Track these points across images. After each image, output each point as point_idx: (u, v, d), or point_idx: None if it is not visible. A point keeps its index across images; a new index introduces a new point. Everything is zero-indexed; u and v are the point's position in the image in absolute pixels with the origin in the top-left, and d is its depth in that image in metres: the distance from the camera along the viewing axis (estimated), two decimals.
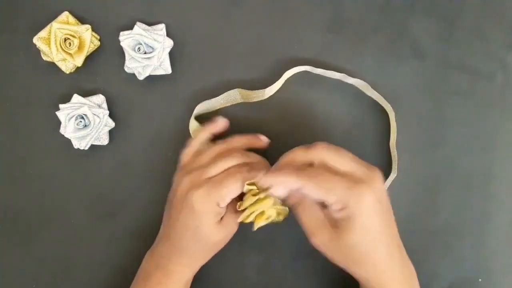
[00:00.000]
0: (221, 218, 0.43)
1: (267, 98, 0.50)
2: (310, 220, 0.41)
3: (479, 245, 0.50)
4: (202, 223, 0.42)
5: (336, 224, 0.39)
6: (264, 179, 0.40)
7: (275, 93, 0.50)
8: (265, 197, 0.41)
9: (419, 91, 0.51)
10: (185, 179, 0.43)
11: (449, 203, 0.50)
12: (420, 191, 0.50)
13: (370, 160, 0.42)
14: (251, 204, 0.42)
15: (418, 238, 0.50)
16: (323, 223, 0.40)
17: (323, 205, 0.41)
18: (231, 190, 0.41)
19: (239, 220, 0.43)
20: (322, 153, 0.40)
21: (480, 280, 0.50)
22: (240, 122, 0.50)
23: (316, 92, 0.50)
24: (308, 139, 0.46)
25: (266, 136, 0.47)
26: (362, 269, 0.41)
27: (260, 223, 0.42)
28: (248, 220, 0.43)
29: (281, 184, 0.40)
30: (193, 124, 0.49)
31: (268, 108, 0.50)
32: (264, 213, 0.42)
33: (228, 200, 0.42)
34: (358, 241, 0.39)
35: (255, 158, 0.45)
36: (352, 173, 0.39)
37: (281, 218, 0.44)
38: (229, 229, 0.44)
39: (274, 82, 0.50)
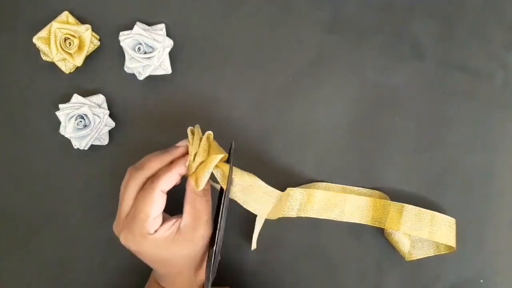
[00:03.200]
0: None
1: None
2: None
3: (479, 245, 0.50)
4: (158, 253, 0.40)
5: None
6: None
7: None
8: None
9: (419, 91, 0.51)
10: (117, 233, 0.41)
11: (449, 203, 0.50)
12: (420, 191, 0.50)
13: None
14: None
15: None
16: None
17: None
18: (149, 211, 0.39)
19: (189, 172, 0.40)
20: None
21: (481, 281, 0.50)
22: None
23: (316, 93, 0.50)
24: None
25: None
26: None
27: (203, 176, 0.40)
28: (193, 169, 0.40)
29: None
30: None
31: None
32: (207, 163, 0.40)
33: (152, 220, 0.39)
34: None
35: (149, 161, 0.41)
36: None
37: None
38: (194, 237, 0.40)
39: (274, 82, 0.50)
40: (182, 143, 0.42)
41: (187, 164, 0.41)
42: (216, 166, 0.40)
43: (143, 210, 0.39)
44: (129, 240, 0.40)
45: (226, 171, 0.40)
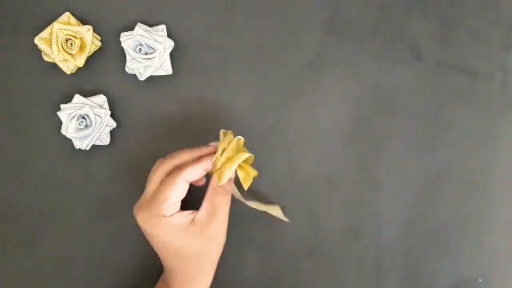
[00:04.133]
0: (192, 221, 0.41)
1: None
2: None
3: (479, 245, 0.50)
4: (166, 239, 0.41)
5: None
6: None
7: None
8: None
9: (418, 91, 0.51)
10: (136, 213, 0.42)
11: (449, 203, 0.51)
12: (420, 191, 0.51)
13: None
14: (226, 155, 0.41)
15: (418, 238, 0.50)
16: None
17: None
18: (169, 196, 0.40)
19: (214, 169, 0.41)
20: None
21: (480, 280, 0.50)
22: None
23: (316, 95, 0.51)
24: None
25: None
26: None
27: (227, 172, 0.41)
28: (219, 164, 0.41)
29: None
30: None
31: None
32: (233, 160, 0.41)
33: (170, 204, 0.40)
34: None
35: (183, 152, 0.43)
36: None
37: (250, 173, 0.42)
38: (205, 231, 0.41)
39: (274, 82, 0.50)
40: (213, 144, 0.44)
41: (213, 160, 0.42)
42: (241, 166, 0.41)
43: (164, 192, 0.40)
44: (145, 221, 0.41)
45: (250, 172, 0.41)
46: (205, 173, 0.42)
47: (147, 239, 0.42)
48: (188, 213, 0.42)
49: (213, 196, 0.42)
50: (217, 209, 0.41)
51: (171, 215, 0.41)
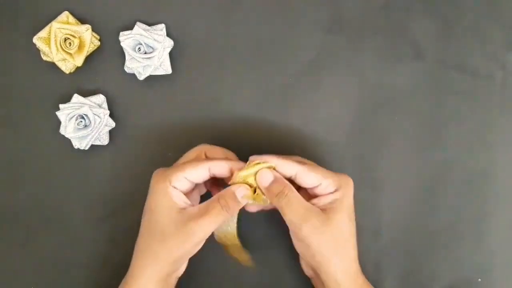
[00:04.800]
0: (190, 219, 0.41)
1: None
2: (299, 208, 0.41)
3: (479, 245, 0.50)
4: (155, 205, 0.41)
5: (324, 209, 0.42)
6: (270, 159, 0.42)
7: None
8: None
9: (419, 91, 0.51)
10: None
11: (449, 203, 0.51)
12: (420, 191, 0.50)
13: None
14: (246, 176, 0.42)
15: (418, 238, 0.50)
16: (313, 209, 0.41)
17: (308, 196, 0.43)
18: (187, 169, 0.41)
19: (231, 182, 0.42)
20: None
21: (479, 280, 0.50)
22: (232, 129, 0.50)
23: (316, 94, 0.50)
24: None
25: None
26: (338, 257, 0.42)
27: (250, 196, 0.42)
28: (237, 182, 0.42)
29: (284, 165, 0.42)
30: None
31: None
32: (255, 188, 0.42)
33: (182, 177, 0.41)
34: (345, 222, 0.42)
35: (220, 149, 0.45)
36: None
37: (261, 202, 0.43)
38: (188, 226, 0.40)
39: (274, 82, 0.50)
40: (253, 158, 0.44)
41: (237, 172, 0.42)
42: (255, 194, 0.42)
43: (185, 165, 0.42)
44: (153, 178, 0.42)
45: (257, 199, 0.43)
46: (228, 173, 0.42)
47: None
48: (187, 200, 0.42)
49: (212, 200, 0.41)
50: (206, 213, 0.40)
51: (175, 187, 0.41)
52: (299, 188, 0.43)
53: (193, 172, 0.41)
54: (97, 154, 0.49)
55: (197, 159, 0.43)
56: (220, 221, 0.41)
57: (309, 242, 0.41)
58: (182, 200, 0.42)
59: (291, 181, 0.42)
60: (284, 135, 0.50)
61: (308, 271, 0.47)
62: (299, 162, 0.42)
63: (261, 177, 0.41)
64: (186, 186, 0.42)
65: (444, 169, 0.51)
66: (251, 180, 0.42)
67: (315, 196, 0.43)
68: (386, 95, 0.50)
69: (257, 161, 0.42)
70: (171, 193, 0.41)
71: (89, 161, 0.50)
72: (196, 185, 0.45)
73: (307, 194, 0.44)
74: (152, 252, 0.41)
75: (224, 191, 0.42)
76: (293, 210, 0.41)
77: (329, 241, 0.41)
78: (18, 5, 0.49)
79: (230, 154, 0.45)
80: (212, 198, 0.42)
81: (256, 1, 0.50)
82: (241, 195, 0.42)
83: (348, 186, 0.43)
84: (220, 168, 0.42)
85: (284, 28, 0.50)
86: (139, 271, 0.42)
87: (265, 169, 0.41)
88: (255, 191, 0.42)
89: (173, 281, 0.44)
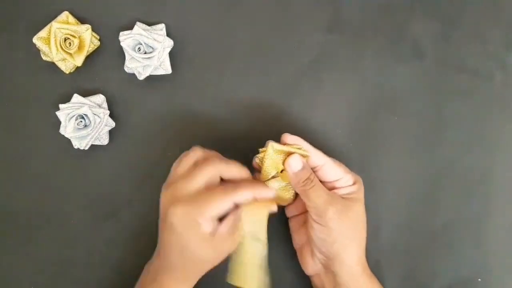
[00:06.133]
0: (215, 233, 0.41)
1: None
2: (324, 193, 0.43)
3: (479, 245, 0.50)
4: (187, 242, 0.40)
5: (344, 198, 0.44)
6: (303, 143, 0.43)
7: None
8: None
9: (419, 91, 0.51)
10: (165, 194, 0.42)
11: (449, 203, 0.51)
12: (420, 191, 0.50)
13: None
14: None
15: (418, 238, 0.50)
16: (336, 195, 0.43)
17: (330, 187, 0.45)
18: (213, 208, 0.40)
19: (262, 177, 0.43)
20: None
21: (479, 279, 0.50)
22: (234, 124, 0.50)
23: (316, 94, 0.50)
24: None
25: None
26: (355, 246, 0.44)
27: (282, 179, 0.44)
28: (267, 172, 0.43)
29: (316, 154, 0.43)
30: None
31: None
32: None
33: (209, 217, 0.40)
34: (362, 212, 0.44)
35: (234, 166, 0.43)
36: None
37: (287, 197, 0.45)
38: (222, 247, 0.41)
39: (274, 82, 0.50)
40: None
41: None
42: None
43: (206, 203, 0.40)
44: (179, 214, 0.40)
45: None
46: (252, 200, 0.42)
47: (160, 226, 0.42)
48: (215, 221, 0.41)
49: (236, 213, 0.41)
50: (235, 228, 0.41)
51: (205, 224, 0.40)
52: None
53: (219, 209, 0.40)
54: (97, 154, 0.49)
55: (220, 191, 0.41)
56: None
57: (332, 226, 0.42)
58: (211, 225, 0.41)
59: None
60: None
61: (314, 267, 0.46)
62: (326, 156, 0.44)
63: (291, 162, 0.42)
64: (215, 219, 0.41)
65: (444, 169, 0.51)
66: (278, 160, 0.43)
67: (333, 189, 0.44)
68: (386, 95, 0.50)
69: (290, 143, 0.43)
70: (202, 229, 0.40)
71: (89, 161, 0.50)
72: None
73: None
74: (190, 273, 0.42)
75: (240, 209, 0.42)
76: (319, 195, 0.42)
77: (349, 228, 0.43)
78: (18, 5, 0.49)
79: (244, 171, 0.43)
80: (233, 212, 0.41)
81: (256, 1, 0.50)
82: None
83: (362, 184, 0.45)
84: (245, 199, 0.41)
85: (284, 28, 0.50)
86: (175, 284, 0.42)
87: (296, 155, 0.42)
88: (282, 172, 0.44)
89: None
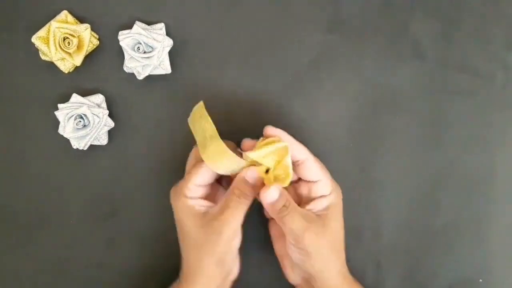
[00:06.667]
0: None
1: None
2: (300, 217, 0.41)
3: (479, 245, 0.50)
4: (181, 218, 0.42)
5: (320, 215, 0.43)
6: (284, 136, 0.42)
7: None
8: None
9: (419, 91, 0.50)
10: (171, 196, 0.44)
11: (449, 203, 0.51)
12: (420, 191, 0.50)
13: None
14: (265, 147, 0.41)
15: (418, 238, 0.50)
16: (311, 216, 0.42)
17: (298, 202, 0.44)
18: (193, 179, 0.42)
19: (250, 154, 0.41)
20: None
21: (480, 280, 0.50)
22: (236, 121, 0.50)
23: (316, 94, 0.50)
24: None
25: None
26: (335, 261, 0.43)
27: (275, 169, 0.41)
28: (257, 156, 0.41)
29: (298, 147, 0.43)
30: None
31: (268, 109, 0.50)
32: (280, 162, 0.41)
33: (193, 185, 0.42)
34: (339, 226, 0.44)
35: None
36: None
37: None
38: (218, 232, 0.41)
39: (274, 82, 0.50)
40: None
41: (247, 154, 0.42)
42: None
43: (190, 174, 0.42)
44: (171, 196, 0.43)
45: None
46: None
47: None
48: (207, 203, 0.42)
49: (228, 194, 0.42)
50: (226, 207, 0.41)
51: (191, 197, 0.42)
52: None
53: (199, 177, 0.42)
54: (96, 154, 0.49)
55: (198, 164, 0.43)
56: (243, 211, 0.41)
57: (310, 251, 0.41)
58: (202, 205, 0.42)
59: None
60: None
61: (294, 279, 0.47)
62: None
63: (267, 195, 0.41)
64: (200, 191, 0.43)
65: (444, 169, 0.51)
66: (266, 162, 0.42)
67: (307, 199, 0.44)
68: (386, 95, 0.50)
69: (269, 139, 0.42)
70: (188, 203, 0.42)
71: (88, 161, 0.49)
72: (216, 185, 0.45)
73: (298, 195, 0.45)
74: (195, 262, 0.42)
75: (235, 180, 0.42)
76: (295, 220, 0.41)
77: (327, 247, 0.42)
78: (17, 4, 0.49)
79: (230, 145, 0.44)
80: (227, 191, 0.42)
81: (256, 1, 0.50)
82: (252, 178, 0.42)
83: (340, 192, 0.44)
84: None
85: (284, 28, 0.50)
86: (192, 285, 0.42)
87: (273, 187, 0.41)
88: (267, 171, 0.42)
89: (228, 284, 0.44)
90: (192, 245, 0.42)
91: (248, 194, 0.41)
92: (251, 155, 0.41)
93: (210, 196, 0.44)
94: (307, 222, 0.41)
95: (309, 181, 0.44)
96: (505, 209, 0.51)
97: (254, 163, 0.42)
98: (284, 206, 0.41)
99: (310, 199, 0.44)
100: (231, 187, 0.42)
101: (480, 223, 0.50)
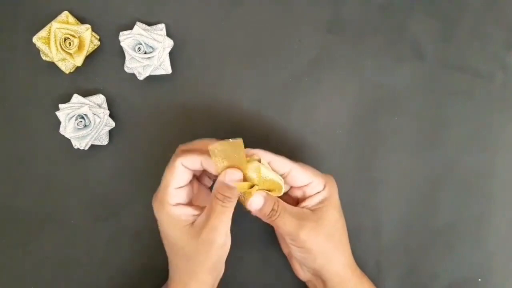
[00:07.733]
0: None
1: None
2: (291, 217, 0.41)
3: (479, 245, 0.50)
4: (167, 229, 0.41)
5: (315, 209, 0.43)
6: (264, 154, 0.41)
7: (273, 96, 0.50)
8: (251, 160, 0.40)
9: (419, 91, 0.51)
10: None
11: (449, 203, 0.51)
12: (420, 191, 0.50)
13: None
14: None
15: (418, 238, 0.50)
16: (304, 213, 0.42)
17: (295, 201, 0.44)
18: (171, 182, 0.41)
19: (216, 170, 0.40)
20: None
21: (479, 280, 0.50)
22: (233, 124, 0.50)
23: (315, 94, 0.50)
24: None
25: None
26: (338, 253, 0.43)
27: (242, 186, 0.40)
28: (220, 169, 0.40)
29: (279, 161, 0.41)
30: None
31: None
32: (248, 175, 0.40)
33: (172, 189, 0.40)
34: (337, 217, 0.43)
35: (196, 143, 0.43)
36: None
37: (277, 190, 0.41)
38: (208, 242, 0.40)
39: (274, 82, 0.50)
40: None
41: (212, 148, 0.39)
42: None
43: (166, 177, 0.41)
44: (154, 206, 0.42)
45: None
46: (199, 164, 0.41)
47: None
48: (194, 212, 0.41)
49: (211, 200, 0.41)
50: (212, 214, 0.40)
51: (176, 204, 0.41)
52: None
53: (176, 179, 0.41)
54: (96, 154, 0.49)
55: (170, 166, 0.42)
56: (229, 214, 0.41)
57: (309, 247, 0.41)
58: (188, 214, 0.41)
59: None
60: (284, 135, 0.50)
61: (305, 276, 0.47)
62: (291, 161, 0.42)
63: (251, 203, 0.40)
64: (182, 195, 0.42)
65: (444, 169, 0.51)
66: (248, 178, 0.40)
67: (303, 199, 0.43)
68: (386, 95, 0.50)
69: (250, 157, 0.40)
70: (175, 214, 0.41)
71: (89, 161, 0.50)
72: (197, 184, 0.45)
73: (294, 198, 0.45)
74: (187, 272, 0.41)
75: (216, 186, 0.41)
76: (287, 221, 0.41)
77: (327, 240, 0.42)
78: (18, 5, 0.49)
79: (206, 142, 0.42)
80: (211, 195, 0.41)
81: (256, 1, 0.50)
82: (232, 181, 0.40)
83: (333, 184, 0.44)
84: (192, 161, 0.41)
85: (284, 28, 0.50)
86: None
87: (256, 194, 0.40)
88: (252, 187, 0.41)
89: (217, 282, 0.44)
90: (181, 255, 0.41)
91: (231, 197, 0.40)
92: (212, 147, 0.39)
93: (194, 198, 0.44)
94: (299, 220, 0.41)
95: (301, 186, 0.43)
96: (505, 209, 0.51)
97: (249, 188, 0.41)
98: (273, 210, 0.41)
99: (305, 198, 0.43)
100: (213, 192, 0.41)
101: (479, 223, 0.50)
